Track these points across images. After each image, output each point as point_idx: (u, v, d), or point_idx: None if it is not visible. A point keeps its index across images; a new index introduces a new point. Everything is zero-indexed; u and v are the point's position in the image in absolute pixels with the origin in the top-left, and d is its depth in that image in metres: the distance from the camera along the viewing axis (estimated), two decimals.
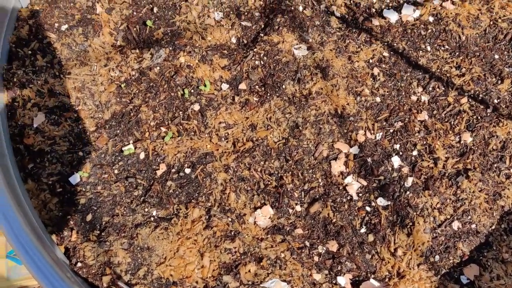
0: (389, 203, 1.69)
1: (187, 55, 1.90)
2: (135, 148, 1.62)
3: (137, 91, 1.74)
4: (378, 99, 1.91)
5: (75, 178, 1.57)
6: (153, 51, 1.88)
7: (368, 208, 1.71)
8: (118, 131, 1.68)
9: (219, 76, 1.89)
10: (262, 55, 1.92)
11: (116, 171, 1.61)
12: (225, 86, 1.75)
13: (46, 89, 1.69)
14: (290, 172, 1.62)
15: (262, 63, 1.91)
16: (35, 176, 1.56)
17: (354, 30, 2.03)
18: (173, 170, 1.61)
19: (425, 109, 1.87)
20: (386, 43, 2.01)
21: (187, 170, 1.61)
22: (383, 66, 1.97)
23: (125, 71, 1.77)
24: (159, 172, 1.60)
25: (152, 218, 1.63)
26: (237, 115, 1.69)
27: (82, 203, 1.56)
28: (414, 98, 1.89)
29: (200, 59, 1.90)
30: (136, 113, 1.71)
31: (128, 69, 1.77)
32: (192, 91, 1.73)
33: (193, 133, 1.67)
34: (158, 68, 1.77)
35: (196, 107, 1.73)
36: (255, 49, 1.93)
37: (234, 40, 1.99)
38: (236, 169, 1.60)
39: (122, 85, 1.75)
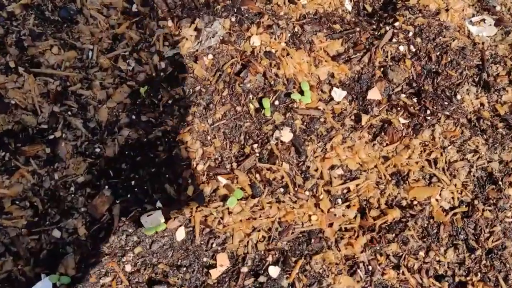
0: None
1: (264, 32, 1.00)
2: (166, 219, 0.88)
3: (169, 101, 0.84)
4: None
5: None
6: (200, 24, 0.98)
7: None
8: (132, 183, 0.80)
9: (327, 74, 0.99)
10: (410, 34, 1.00)
11: (128, 268, 0.80)
12: (339, 94, 0.84)
13: None
14: (478, 275, 0.91)
15: (414, 50, 0.99)
16: None
17: None
18: (245, 269, 0.90)
19: None
20: None
21: (273, 270, 0.87)
22: None
23: (147, 61, 0.87)
24: (214, 273, 0.89)
25: None
26: (367, 152, 0.93)
27: None
28: None
29: (290, 39, 1.00)
30: (169, 146, 0.81)
31: (154, 59, 0.87)
32: (277, 102, 0.80)
33: (281, 190, 0.83)
34: (210, 56, 0.86)
35: (286, 134, 0.82)
36: (395, 23, 1.01)
37: (349, 6, 1.07)
38: (372, 269, 0.90)
39: (142, 90, 0.84)
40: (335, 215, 0.92)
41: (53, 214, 0.87)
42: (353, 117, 0.99)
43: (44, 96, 0.94)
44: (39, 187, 0.88)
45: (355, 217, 0.92)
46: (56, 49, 0.97)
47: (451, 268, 0.90)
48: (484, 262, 0.89)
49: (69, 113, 0.94)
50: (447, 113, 0.96)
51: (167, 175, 0.93)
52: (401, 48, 1.00)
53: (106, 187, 0.91)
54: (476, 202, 0.91)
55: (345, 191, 0.94)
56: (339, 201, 0.93)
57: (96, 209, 0.89)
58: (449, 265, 0.90)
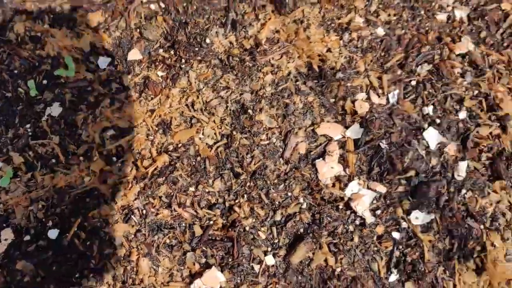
0: (433, 217, 0.93)
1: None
2: None
3: None
4: (380, 31, 1.08)
5: None
6: None
7: (396, 235, 0.95)
8: None
9: (89, 45, 1.06)
10: None
11: None
12: (103, 61, 1.00)
13: None
14: (245, 196, 0.99)
15: (163, 5, 1.05)
16: None
17: None
18: (27, 238, 0.84)
19: (466, 32, 1.05)
20: None
21: (52, 233, 0.87)
22: None
23: None
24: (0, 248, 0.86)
25: None
26: (135, 109, 1.09)
27: None
28: (442, 17, 1.07)
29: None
30: None
31: None
32: (45, 81, 0.90)
33: (53, 161, 0.86)
34: None
35: (56, 109, 1.04)
36: None
37: None
38: (146, 212, 0.99)
39: None
40: (111, 172, 1.01)
41: None
42: (118, 80, 1.06)
43: None
44: None
45: (131, 171, 1.02)
46: None
47: (221, 196, 0.99)
48: (248, 184, 0.99)
49: None
50: (199, 58, 1.03)
51: None
52: (152, 6, 1.06)
53: None
54: (234, 132, 1.00)
55: (119, 149, 1.03)
56: (114, 159, 1.02)
57: None
58: (219, 194, 0.99)
